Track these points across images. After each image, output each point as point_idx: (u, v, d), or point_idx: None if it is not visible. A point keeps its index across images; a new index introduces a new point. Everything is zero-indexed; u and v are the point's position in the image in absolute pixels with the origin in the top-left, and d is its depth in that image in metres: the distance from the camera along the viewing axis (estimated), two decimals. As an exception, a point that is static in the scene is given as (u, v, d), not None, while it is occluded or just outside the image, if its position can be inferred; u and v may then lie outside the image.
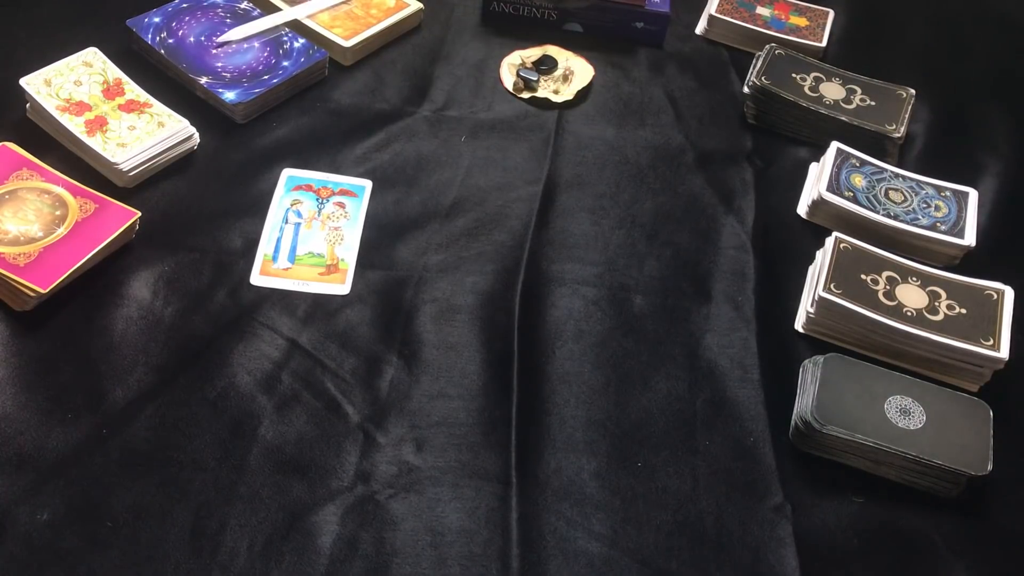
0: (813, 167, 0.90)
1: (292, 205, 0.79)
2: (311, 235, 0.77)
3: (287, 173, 0.81)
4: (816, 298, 0.74)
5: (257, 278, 0.74)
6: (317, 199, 0.80)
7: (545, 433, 0.67)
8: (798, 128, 0.93)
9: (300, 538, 0.60)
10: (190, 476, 0.62)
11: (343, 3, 0.98)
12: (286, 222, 0.78)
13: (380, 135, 0.87)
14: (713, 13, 1.04)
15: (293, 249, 0.76)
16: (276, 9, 0.96)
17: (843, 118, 0.91)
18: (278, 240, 0.76)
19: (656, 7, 1.02)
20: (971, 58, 1.07)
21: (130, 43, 0.90)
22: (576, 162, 0.88)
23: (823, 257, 0.78)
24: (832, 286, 0.74)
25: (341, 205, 0.79)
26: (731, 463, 0.67)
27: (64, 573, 0.57)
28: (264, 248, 0.76)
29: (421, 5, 1.00)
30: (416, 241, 0.79)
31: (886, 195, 0.84)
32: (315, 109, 0.89)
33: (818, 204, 0.84)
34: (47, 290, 0.67)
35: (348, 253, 0.76)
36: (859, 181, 0.85)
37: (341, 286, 0.74)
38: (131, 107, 0.81)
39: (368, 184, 0.82)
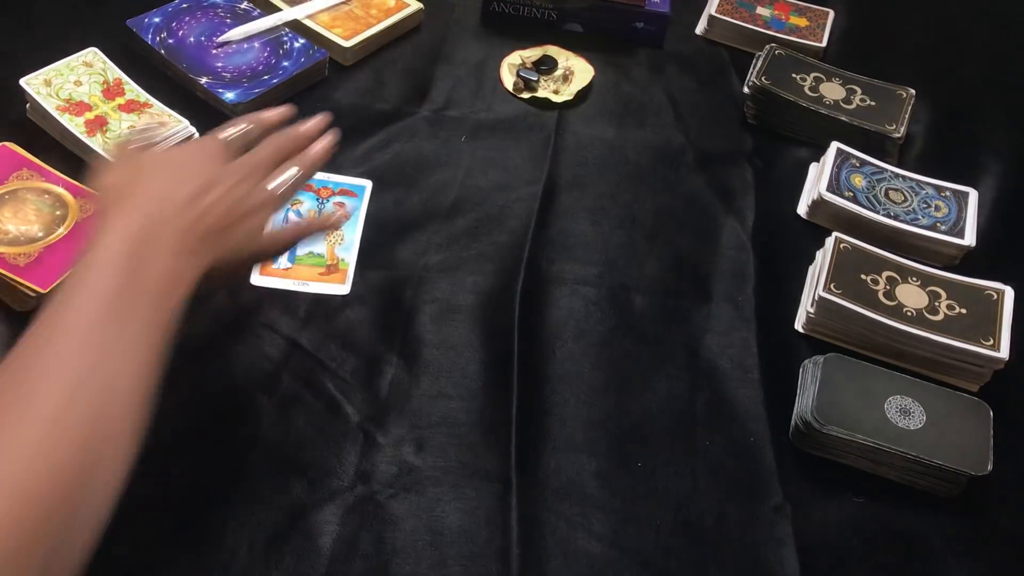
0: (813, 167, 0.90)
1: (292, 205, 0.79)
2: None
3: None
4: (816, 298, 0.74)
5: (257, 278, 0.74)
6: (317, 199, 0.80)
7: (545, 433, 0.67)
8: (798, 128, 0.93)
9: (300, 538, 0.60)
10: (190, 476, 0.62)
11: (343, 3, 0.98)
12: (286, 222, 0.77)
13: (380, 135, 0.87)
14: (713, 13, 1.04)
15: (293, 249, 0.76)
16: (276, 9, 0.96)
17: (843, 118, 0.91)
18: None
19: (656, 7, 1.02)
20: (971, 58, 1.07)
21: (130, 43, 0.90)
22: (576, 162, 0.88)
23: (823, 257, 0.78)
24: (832, 286, 0.74)
25: (341, 205, 0.79)
26: (731, 463, 0.67)
27: (64, 573, 0.57)
28: None
29: (421, 5, 1.00)
30: (416, 241, 0.79)
31: (886, 195, 0.84)
32: (315, 109, 0.89)
33: (818, 204, 0.84)
34: (47, 290, 0.67)
35: (348, 253, 0.76)
36: (859, 181, 0.85)
37: (341, 286, 0.74)
38: (131, 107, 0.81)
39: (368, 184, 0.82)
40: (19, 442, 0.41)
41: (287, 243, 0.62)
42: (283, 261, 0.75)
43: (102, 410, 0.45)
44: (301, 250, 0.76)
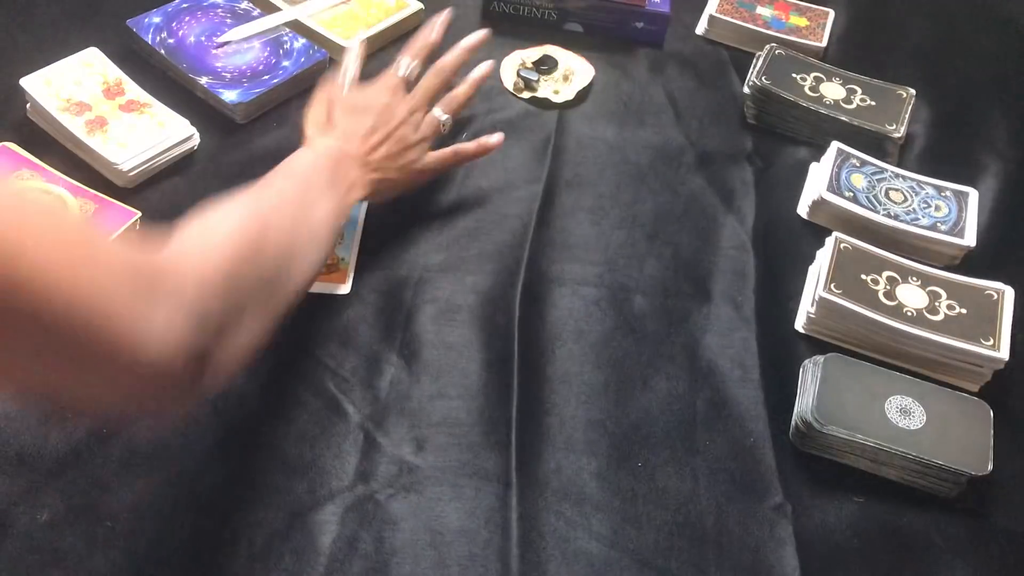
0: (813, 167, 0.90)
1: None
2: None
3: None
4: (816, 298, 0.74)
5: None
6: None
7: (545, 433, 0.67)
8: (798, 128, 0.93)
9: (300, 538, 0.60)
10: (190, 476, 0.62)
11: (343, 3, 0.98)
12: None
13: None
14: (713, 13, 1.04)
15: None
16: (276, 9, 0.96)
17: (843, 118, 0.91)
18: None
19: (656, 7, 1.02)
20: (971, 58, 1.07)
21: (130, 43, 0.90)
22: (576, 162, 0.88)
23: (823, 257, 0.78)
24: (832, 286, 0.74)
25: None
26: (731, 463, 0.67)
27: (64, 573, 0.57)
28: None
29: (421, 5, 1.00)
30: (416, 241, 0.79)
31: (886, 195, 0.84)
32: (315, 109, 0.89)
33: (818, 204, 0.84)
34: (47, 290, 0.67)
35: (348, 253, 0.76)
36: (859, 181, 0.85)
37: (342, 286, 0.74)
38: (131, 107, 0.81)
39: None
40: (246, 216, 0.58)
41: (446, 162, 0.79)
42: None
43: (298, 227, 0.62)
44: None
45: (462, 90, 0.82)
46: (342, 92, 0.77)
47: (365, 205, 0.80)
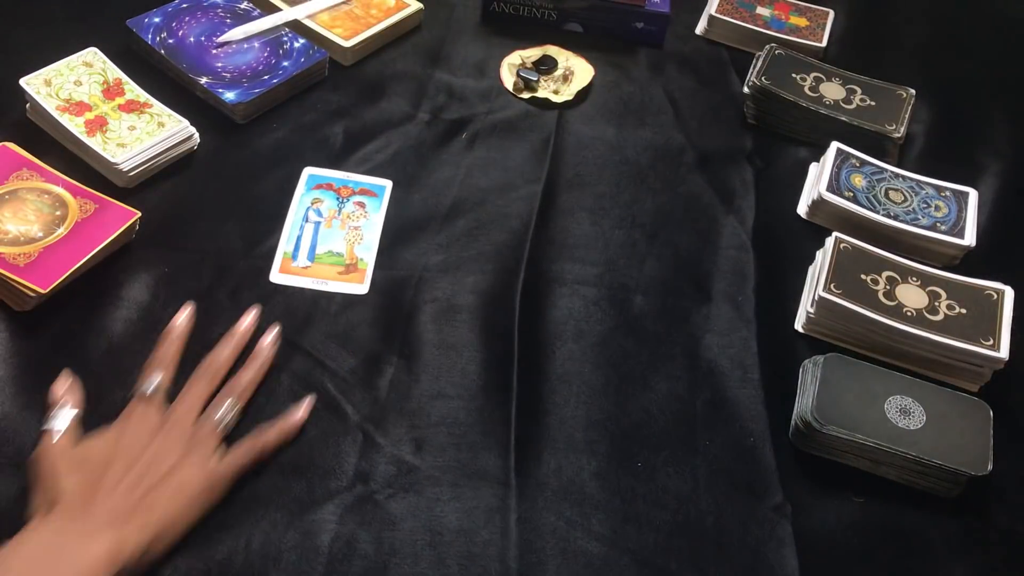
0: (813, 167, 0.90)
1: (312, 204, 0.79)
2: (331, 234, 0.77)
3: (308, 172, 0.82)
4: (816, 298, 0.74)
5: (276, 276, 0.74)
6: (337, 198, 0.80)
7: (545, 433, 0.67)
8: (798, 128, 0.93)
9: (299, 538, 0.60)
10: (190, 476, 0.62)
11: (343, 3, 0.98)
12: (306, 220, 0.78)
13: (380, 135, 0.88)
14: (713, 13, 1.04)
15: (313, 248, 0.76)
16: (276, 9, 0.96)
17: (843, 118, 0.91)
18: (298, 239, 0.76)
19: (656, 7, 1.02)
20: (971, 58, 1.07)
21: (130, 43, 0.90)
22: (576, 162, 0.88)
23: (823, 257, 0.78)
24: (832, 286, 0.74)
25: (361, 205, 0.80)
26: (731, 463, 0.67)
27: (64, 573, 0.57)
28: (284, 246, 0.76)
29: (421, 5, 1.00)
30: (416, 241, 0.79)
31: (886, 195, 0.84)
32: (315, 109, 0.89)
33: (818, 204, 0.84)
34: (47, 290, 0.67)
35: (368, 253, 0.76)
36: (859, 181, 0.85)
37: (360, 286, 0.74)
38: (131, 107, 0.81)
39: (389, 184, 0.82)
40: None
41: (246, 458, 0.61)
42: (303, 260, 0.75)
43: None
44: (321, 248, 0.76)
45: (248, 374, 0.65)
46: (61, 447, 0.58)
47: (386, 204, 0.80)
